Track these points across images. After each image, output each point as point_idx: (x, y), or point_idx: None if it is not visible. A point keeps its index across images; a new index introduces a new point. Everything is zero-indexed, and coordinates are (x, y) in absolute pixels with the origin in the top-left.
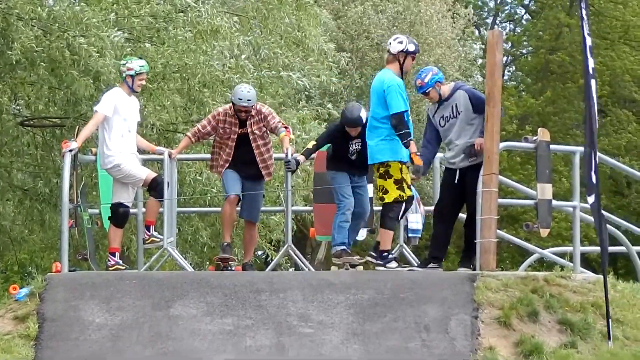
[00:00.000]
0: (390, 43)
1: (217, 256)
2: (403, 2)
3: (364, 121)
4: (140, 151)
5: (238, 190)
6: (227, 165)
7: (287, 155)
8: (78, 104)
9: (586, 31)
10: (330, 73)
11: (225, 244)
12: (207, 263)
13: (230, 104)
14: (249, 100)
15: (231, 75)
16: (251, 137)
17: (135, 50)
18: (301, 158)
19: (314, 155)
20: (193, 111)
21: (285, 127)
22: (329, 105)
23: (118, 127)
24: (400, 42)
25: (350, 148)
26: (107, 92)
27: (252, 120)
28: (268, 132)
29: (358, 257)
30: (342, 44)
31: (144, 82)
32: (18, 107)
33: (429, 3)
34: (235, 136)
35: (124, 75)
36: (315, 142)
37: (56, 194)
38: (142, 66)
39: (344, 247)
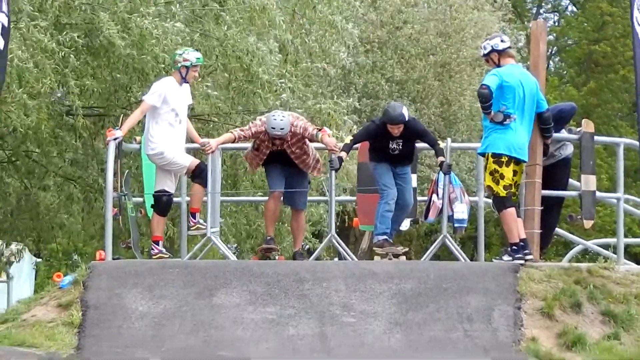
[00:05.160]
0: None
1: (260, 246)
2: None
3: (406, 119)
4: (186, 139)
5: (282, 186)
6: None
7: (330, 156)
8: (123, 92)
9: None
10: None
11: (269, 237)
12: (251, 252)
13: (263, 124)
14: (282, 129)
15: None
16: (292, 156)
17: (192, 39)
18: (343, 154)
19: (357, 145)
20: (237, 102)
21: (320, 129)
22: (368, 101)
23: (166, 117)
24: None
25: (391, 145)
26: (157, 82)
27: (289, 142)
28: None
29: (401, 247)
30: (380, 37)
31: (197, 74)
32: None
33: None
34: (268, 151)
35: (178, 65)
36: (352, 138)
37: (99, 182)
38: (199, 58)
39: (386, 237)
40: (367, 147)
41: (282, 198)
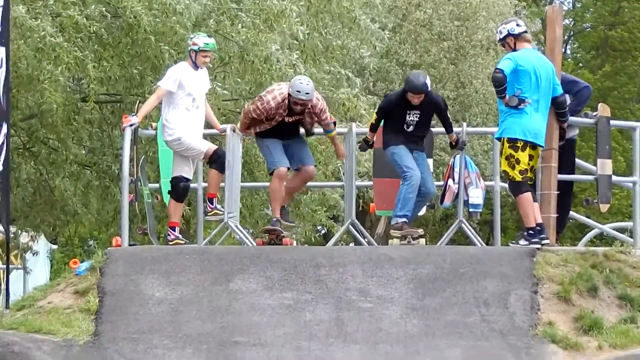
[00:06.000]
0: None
1: (265, 227)
2: None
3: (429, 89)
4: (205, 124)
5: (287, 163)
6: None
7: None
8: (138, 81)
9: None
10: (374, 51)
11: (275, 219)
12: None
13: (284, 95)
14: (307, 93)
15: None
16: (307, 124)
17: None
18: (370, 135)
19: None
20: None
21: (334, 123)
22: (383, 85)
23: (183, 102)
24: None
25: (408, 118)
26: (171, 67)
27: (311, 112)
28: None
29: (421, 230)
30: (396, 22)
31: (207, 60)
32: (80, 84)
33: None
34: (281, 119)
35: (189, 49)
36: (376, 116)
37: (114, 169)
38: (207, 44)
39: (406, 220)
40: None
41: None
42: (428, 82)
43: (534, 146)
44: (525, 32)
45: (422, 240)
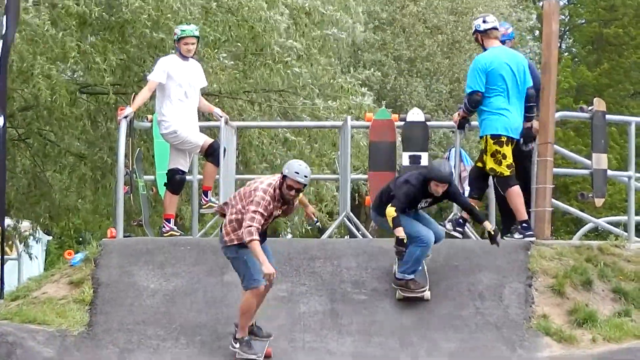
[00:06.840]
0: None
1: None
2: None
3: (453, 177)
4: (200, 114)
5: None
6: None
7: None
8: (134, 69)
9: None
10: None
11: (247, 339)
12: None
13: (272, 185)
14: (305, 176)
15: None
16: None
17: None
18: (399, 232)
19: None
20: (249, 77)
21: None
22: (378, 73)
23: (174, 93)
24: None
25: (420, 205)
26: (160, 59)
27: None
28: None
29: (426, 286)
30: (389, 16)
31: (190, 47)
32: (78, 75)
33: None
34: (277, 214)
35: (173, 41)
36: (394, 208)
37: (110, 162)
38: (183, 30)
39: (414, 277)
40: (379, 126)
41: None
42: (452, 170)
43: (513, 141)
44: (495, 28)
45: (427, 293)
